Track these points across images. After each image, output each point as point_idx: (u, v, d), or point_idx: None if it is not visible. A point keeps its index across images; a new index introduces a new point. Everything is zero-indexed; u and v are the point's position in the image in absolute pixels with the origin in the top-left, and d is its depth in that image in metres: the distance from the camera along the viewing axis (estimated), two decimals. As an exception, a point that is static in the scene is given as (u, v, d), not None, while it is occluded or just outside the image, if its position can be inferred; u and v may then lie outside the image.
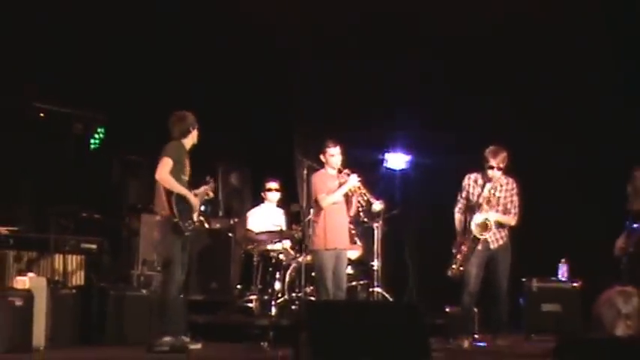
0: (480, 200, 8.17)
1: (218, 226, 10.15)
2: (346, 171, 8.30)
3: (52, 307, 7.51)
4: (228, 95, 10.47)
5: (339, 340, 6.66)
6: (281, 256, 9.36)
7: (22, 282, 7.41)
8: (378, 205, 8.48)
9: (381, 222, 9.37)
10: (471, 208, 8.23)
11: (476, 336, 8.31)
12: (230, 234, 10.22)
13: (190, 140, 7.57)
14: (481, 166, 8.27)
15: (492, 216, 8.13)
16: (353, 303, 8.60)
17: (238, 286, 9.69)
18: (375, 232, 9.41)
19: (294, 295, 9.08)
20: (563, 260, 9.22)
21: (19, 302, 7.19)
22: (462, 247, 8.20)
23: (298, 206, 9.61)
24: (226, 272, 10.15)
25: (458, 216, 8.32)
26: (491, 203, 8.16)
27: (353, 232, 9.27)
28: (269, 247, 9.50)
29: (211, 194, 7.69)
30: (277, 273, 9.27)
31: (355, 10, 10.30)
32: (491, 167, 8.15)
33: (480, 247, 8.16)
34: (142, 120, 9.73)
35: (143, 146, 9.43)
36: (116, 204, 10.19)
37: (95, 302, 8.00)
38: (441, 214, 8.86)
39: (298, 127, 10.98)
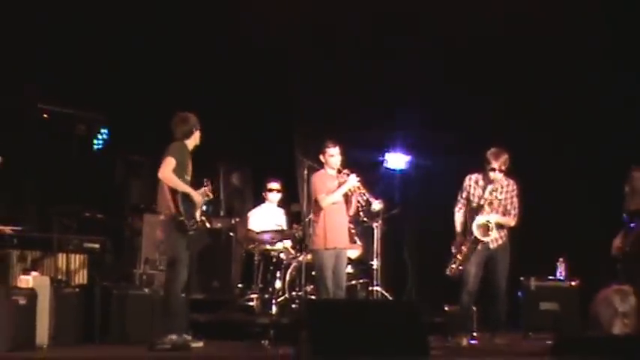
0: (482, 202, 8.21)
1: (219, 225, 10.17)
2: (345, 171, 8.32)
3: (55, 306, 7.52)
4: (228, 95, 10.47)
5: (339, 339, 6.68)
6: (282, 256, 9.38)
7: (26, 281, 7.43)
8: (377, 205, 8.49)
9: (380, 221, 9.40)
10: (472, 209, 8.28)
11: (474, 334, 8.31)
12: (231, 233, 10.26)
13: (193, 141, 7.61)
14: (482, 167, 8.30)
15: (493, 218, 8.17)
16: (353, 302, 8.63)
17: (239, 285, 9.71)
18: (375, 231, 9.44)
19: (294, 293, 9.09)
20: (561, 259, 9.24)
21: (22, 301, 7.21)
22: (462, 248, 8.24)
23: (299, 206, 9.62)
24: (227, 271, 10.20)
25: (458, 216, 8.36)
26: (493, 205, 8.21)
27: (353, 231, 9.28)
28: (270, 246, 9.51)
29: (210, 195, 7.72)
30: (278, 272, 9.28)
31: (355, 10, 10.30)
32: (493, 169, 8.18)
33: (479, 246, 8.20)
34: (144, 121, 9.74)
35: (145, 147, 9.47)
36: (119, 204, 10.20)
37: (98, 301, 7.99)
38: (440, 214, 8.90)
39: (298, 127, 10.97)
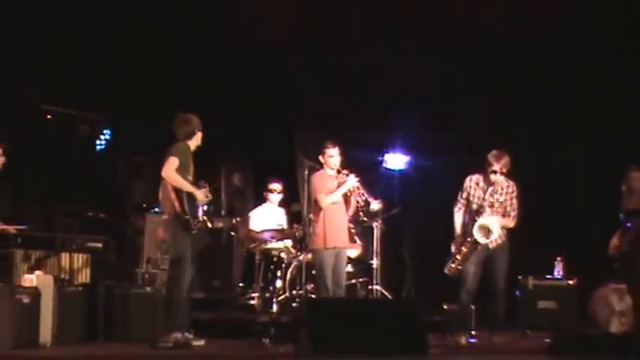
0: (483, 204, 8.25)
1: (221, 225, 10.21)
2: (345, 171, 8.36)
3: (59, 305, 7.54)
4: (229, 96, 10.49)
5: (338, 337, 6.74)
6: (282, 255, 9.42)
7: (30, 280, 7.46)
8: (375, 205, 8.53)
9: (380, 221, 9.43)
10: (472, 210, 8.31)
11: (473, 333, 8.35)
12: (232, 233, 10.30)
13: (195, 142, 7.66)
14: (482, 168, 8.33)
15: (494, 220, 8.21)
16: (352, 300, 8.69)
17: (240, 284, 9.76)
18: (375, 231, 9.46)
19: (295, 292, 9.12)
20: (558, 258, 9.28)
21: (26, 300, 7.25)
22: (462, 248, 8.28)
23: (299, 206, 9.63)
24: (229, 270, 10.24)
25: (457, 216, 8.40)
26: (494, 208, 8.25)
27: (352, 231, 9.30)
28: (270, 245, 9.55)
29: (209, 196, 7.75)
30: (278, 271, 9.32)
31: (355, 10, 10.31)
32: (494, 172, 8.21)
33: (479, 247, 8.24)
34: (146, 121, 9.76)
35: (147, 147, 9.49)
36: (121, 203, 10.21)
37: (101, 300, 8.02)
38: (438, 214, 8.95)
39: (298, 128, 10.99)
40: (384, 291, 9.41)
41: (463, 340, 8.12)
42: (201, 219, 7.62)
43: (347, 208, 8.45)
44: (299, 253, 9.21)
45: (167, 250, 8.21)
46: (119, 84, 9.88)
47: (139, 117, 9.93)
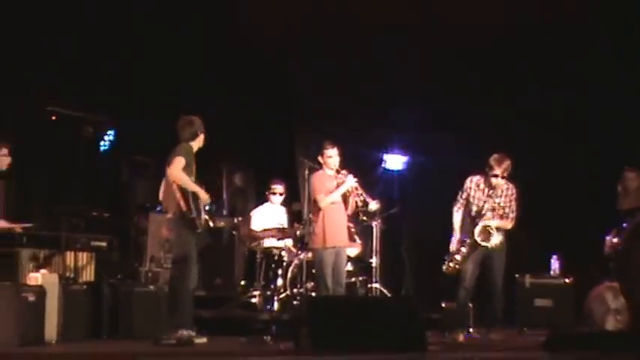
0: (484, 205, 8.32)
1: (222, 224, 10.26)
2: (344, 172, 8.41)
3: (64, 303, 7.57)
4: (230, 97, 10.52)
5: (338, 334, 6.79)
6: (283, 254, 9.47)
7: (35, 278, 7.51)
8: (374, 205, 8.58)
9: (379, 220, 9.50)
10: (472, 212, 8.37)
11: (470, 330, 8.41)
12: (234, 232, 10.35)
13: (197, 143, 7.73)
14: (481, 168, 8.38)
15: (494, 223, 8.29)
16: (352, 298, 8.73)
17: (242, 283, 9.80)
18: (374, 230, 9.53)
19: (295, 290, 9.17)
20: (555, 257, 9.35)
21: (32, 298, 7.30)
22: (462, 249, 8.36)
23: (300, 205, 9.60)
24: (230, 269, 10.30)
25: (457, 215, 8.46)
26: (495, 211, 8.33)
27: (352, 230, 9.36)
28: (271, 244, 9.60)
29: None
30: (279, 270, 9.39)
31: (355, 10, 10.34)
32: (496, 175, 8.26)
33: (478, 247, 8.32)
34: (149, 123, 9.84)
35: (150, 148, 9.54)
36: (124, 203, 10.28)
37: (105, 298, 8.05)
38: (437, 213, 9.00)
39: (299, 128, 11.02)
40: (383, 289, 9.47)
41: (461, 338, 8.17)
42: (204, 219, 7.68)
43: (345, 208, 8.50)
44: (299, 252, 9.24)
45: (170, 249, 8.24)
46: (122, 86, 9.94)
47: (142, 118, 9.98)
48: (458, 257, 8.38)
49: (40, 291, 7.42)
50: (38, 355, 6.92)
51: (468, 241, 8.35)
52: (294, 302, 9.11)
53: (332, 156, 8.40)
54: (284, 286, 9.31)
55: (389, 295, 9.49)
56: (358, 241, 9.66)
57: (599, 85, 10.06)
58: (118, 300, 8.14)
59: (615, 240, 8.10)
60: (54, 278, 7.65)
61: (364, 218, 9.31)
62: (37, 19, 9.52)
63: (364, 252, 9.71)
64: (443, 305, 8.85)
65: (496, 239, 8.28)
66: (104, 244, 8.41)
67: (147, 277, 9.14)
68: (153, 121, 9.70)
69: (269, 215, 9.87)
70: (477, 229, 8.28)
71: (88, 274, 8.28)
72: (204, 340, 7.65)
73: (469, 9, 10.12)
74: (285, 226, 9.76)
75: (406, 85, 10.63)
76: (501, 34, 10.13)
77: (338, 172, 8.45)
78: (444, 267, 8.43)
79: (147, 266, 9.37)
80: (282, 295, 9.25)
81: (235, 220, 10.38)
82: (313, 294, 8.74)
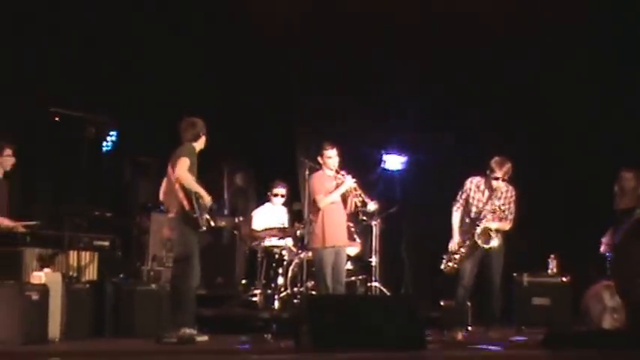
0: (485, 208, 8.37)
1: (223, 224, 10.29)
2: (343, 172, 8.45)
3: (67, 301, 7.61)
4: (231, 97, 10.54)
5: (338, 332, 6.82)
6: (284, 253, 9.51)
7: (39, 277, 7.53)
8: (372, 206, 8.64)
9: (379, 220, 9.54)
10: (470, 211, 8.43)
11: (469, 328, 8.50)
12: (235, 231, 10.37)
13: (199, 145, 7.78)
14: (481, 168, 8.44)
15: (494, 225, 8.35)
16: (352, 297, 8.78)
17: (243, 281, 9.84)
18: (374, 229, 9.59)
19: (296, 289, 9.22)
20: (552, 256, 9.38)
21: (35, 296, 7.32)
22: (461, 250, 8.42)
23: (300, 204, 9.65)
24: (231, 268, 10.31)
25: (456, 215, 8.51)
26: (495, 214, 8.38)
27: (352, 229, 9.40)
28: (272, 244, 9.65)
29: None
30: (280, 268, 9.43)
31: (355, 10, 10.37)
32: (497, 178, 8.31)
33: (477, 248, 8.38)
34: (151, 124, 9.89)
35: (152, 148, 9.59)
36: (127, 203, 10.32)
37: (107, 296, 8.10)
38: (436, 213, 9.03)
39: (299, 128, 11.04)
40: (382, 288, 9.51)
41: (460, 336, 8.20)
42: (205, 218, 7.71)
43: (345, 207, 8.52)
44: (300, 252, 9.28)
45: (172, 248, 8.26)
46: (124, 87, 9.98)
47: (144, 119, 10.02)
48: (457, 257, 8.43)
49: (44, 290, 7.44)
50: (41, 353, 6.91)
51: (468, 242, 8.41)
52: (295, 301, 9.14)
53: (331, 156, 8.44)
54: (284, 284, 9.35)
55: (388, 293, 9.53)
56: (358, 240, 9.69)
57: (599, 85, 10.10)
58: (121, 298, 8.19)
59: (611, 240, 8.13)
60: (57, 277, 7.68)
61: (363, 218, 9.38)
62: (39, 20, 9.57)
63: (364, 251, 9.75)
64: (442, 304, 8.92)
65: (496, 242, 8.33)
66: (107, 243, 8.45)
67: (149, 276, 9.18)
68: (155, 122, 9.76)
69: (270, 215, 9.91)
70: (478, 231, 8.33)
71: (91, 273, 8.32)
72: (205, 338, 7.69)
73: (469, 9, 10.15)
74: (286, 225, 9.79)
75: (406, 85, 10.65)
76: (501, 34, 10.17)
77: (337, 172, 8.48)
78: (443, 265, 8.48)
79: (149, 265, 9.41)
80: (282, 294, 9.29)
81: (236, 220, 10.42)
82: (313, 293, 8.79)
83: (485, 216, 8.39)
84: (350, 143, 9.24)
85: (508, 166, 8.34)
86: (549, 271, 9.41)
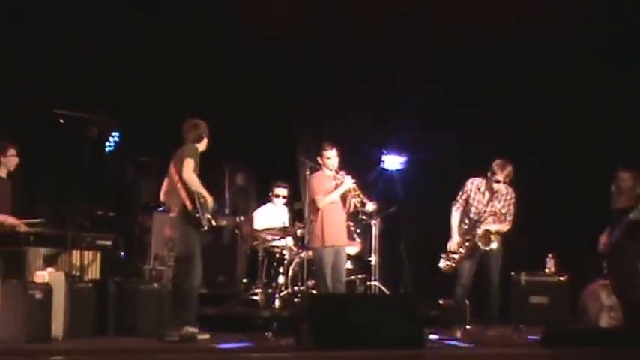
0: (486, 210, 8.43)
1: (224, 223, 10.28)
2: (342, 173, 8.48)
3: (70, 300, 7.63)
4: (232, 98, 10.56)
5: (338, 330, 6.88)
6: (284, 252, 9.55)
7: (42, 276, 7.57)
8: (371, 206, 8.67)
9: (378, 219, 9.58)
10: (469, 212, 8.48)
11: (468, 327, 8.55)
12: (236, 231, 10.39)
13: (202, 146, 7.82)
14: (481, 168, 8.49)
15: (495, 228, 8.41)
16: (352, 295, 8.83)
17: (244, 280, 9.87)
18: (373, 229, 9.62)
19: (296, 288, 9.25)
20: (550, 255, 9.43)
21: (38, 295, 7.37)
22: (461, 250, 8.47)
23: (301, 204, 9.67)
24: (232, 267, 10.31)
25: (455, 215, 8.56)
26: (496, 216, 8.44)
27: (352, 228, 9.45)
28: (273, 243, 9.68)
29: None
30: (281, 268, 9.47)
31: (355, 10, 10.40)
32: (498, 181, 8.36)
33: (477, 250, 8.44)
34: (153, 125, 9.93)
35: (154, 149, 9.62)
36: (129, 203, 10.35)
37: (110, 295, 8.14)
38: (435, 213, 9.06)
39: (299, 128, 11.06)
40: (382, 287, 9.54)
41: (458, 334, 8.27)
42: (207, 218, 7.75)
43: (344, 207, 8.55)
44: (300, 251, 9.32)
45: (173, 247, 8.30)
46: (127, 88, 10.01)
47: (146, 120, 10.06)
48: (456, 256, 8.48)
49: (47, 288, 7.48)
50: (45, 352, 6.93)
51: (468, 243, 8.46)
52: (295, 299, 9.18)
53: (331, 157, 8.47)
54: (285, 283, 9.39)
55: (388, 292, 9.56)
56: (358, 239, 9.73)
57: (599, 85, 10.12)
58: (123, 297, 8.23)
59: (608, 239, 8.15)
60: (60, 276, 7.72)
61: (363, 217, 9.40)
62: (42, 23, 9.60)
63: (363, 250, 9.78)
64: (440, 302, 9.04)
65: (495, 244, 8.38)
66: (109, 242, 8.47)
67: (151, 275, 9.20)
68: (156, 122, 9.80)
69: (272, 216, 9.95)
70: (479, 233, 8.39)
71: (94, 272, 8.34)
72: (206, 336, 7.72)
73: (469, 9, 10.17)
74: (287, 225, 9.81)
75: (406, 85, 10.68)
76: (501, 34, 10.18)
77: (337, 172, 8.51)
78: (441, 264, 8.53)
79: (151, 264, 9.43)
80: (283, 293, 9.33)
81: (237, 219, 10.45)
82: (314, 291, 8.83)
83: (485, 218, 8.44)
84: (350, 143, 9.27)
85: (509, 169, 8.39)
86: (547, 270, 9.45)
